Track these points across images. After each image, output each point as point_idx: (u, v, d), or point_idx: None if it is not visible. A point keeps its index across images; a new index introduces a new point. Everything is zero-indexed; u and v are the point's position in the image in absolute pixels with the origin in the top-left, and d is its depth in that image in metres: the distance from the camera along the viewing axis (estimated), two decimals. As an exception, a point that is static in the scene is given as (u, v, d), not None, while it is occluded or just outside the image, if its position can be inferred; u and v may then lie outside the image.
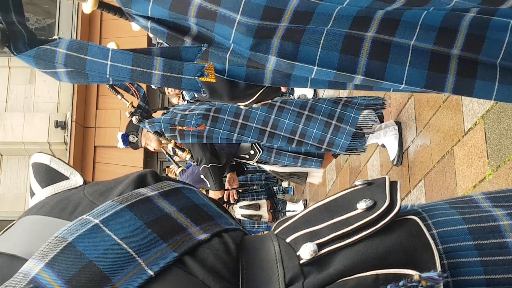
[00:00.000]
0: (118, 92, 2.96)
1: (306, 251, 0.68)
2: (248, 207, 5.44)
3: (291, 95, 6.03)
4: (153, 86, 2.66)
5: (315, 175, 3.60)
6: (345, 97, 3.28)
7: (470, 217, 0.74)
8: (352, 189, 0.79)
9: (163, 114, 3.22)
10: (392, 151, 3.69)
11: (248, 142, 3.28)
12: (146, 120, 3.04)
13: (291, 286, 0.66)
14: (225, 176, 3.66)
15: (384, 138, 3.65)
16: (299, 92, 6.00)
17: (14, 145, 10.00)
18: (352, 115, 3.15)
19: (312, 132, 3.14)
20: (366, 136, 3.30)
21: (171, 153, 3.56)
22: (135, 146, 3.53)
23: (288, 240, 0.72)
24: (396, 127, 3.64)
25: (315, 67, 1.13)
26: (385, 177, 0.79)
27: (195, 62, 1.05)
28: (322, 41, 1.12)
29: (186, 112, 3.10)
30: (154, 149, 3.53)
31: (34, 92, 10.17)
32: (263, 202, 5.61)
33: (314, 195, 6.59)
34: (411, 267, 0.65)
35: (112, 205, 0.70)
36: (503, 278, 0.68)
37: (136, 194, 0.72)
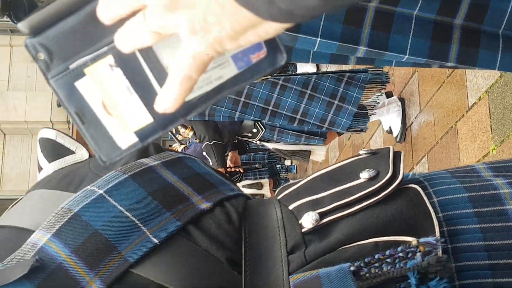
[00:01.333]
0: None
1: (308, 220, 0.69)
2: (250, 186, 5.45)
3: (293, 72, 6.00)
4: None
5: (318, 153, 3.59)
6: (349, 72, 3.25)
7: (470, 186, 0.74)
8: (355, 158, 0.79)
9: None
10: (396, 127, 3.67)
11: (250, 120, 3.27)
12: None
13: (293, 254, 0.67)
14: (227, 155, 3.65)
15: (388, 115, 3.63)
16: (302, 69, 5.97)
17: (17, 124, 10.02)
18: (355, 94, 3.13)
19: (314, 112, 3.13)
20: (369, 115, 3.29)
21: (174, 131, 3.54)
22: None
23: (290, 207, 0.73)
24: (399, 103, 3.62)
25: (318, 39, 1.12)
26: (389, 147, 0.79)
27: None
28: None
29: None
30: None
31: (37, 71, 10.14)
32: (266, 181, 5.62)
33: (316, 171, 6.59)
34: (411, 235, 0.66)
35: (115, 175, 0.71)
36: (502, 244, 0.68)
37: (139, 164, 0.73)
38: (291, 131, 3.38)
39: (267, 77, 2.89)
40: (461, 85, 2.88)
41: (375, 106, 3.25)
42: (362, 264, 0.63)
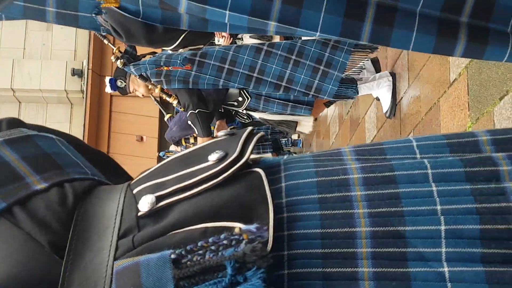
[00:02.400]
0: (104, 37, 2.96)
1: (145, 203, 0.67)
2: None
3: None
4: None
5: (305, 124, 3.57)
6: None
7: (323, 170, 0.72)
8: (213, 140, 0.78)
9: (151, 58, 3.21)
10: (385, 103, 3.64)
11: (235, 88, 3.25)
12: (131, 64, 3.03)
13: (124, 238, 0.65)
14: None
15: (378, 89, 3.59)
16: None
17: (32, 93, 10.14)
18: (341, 59, 3.08)
19: (300, 78, 3.10)
20: (356, 81, 3.24)
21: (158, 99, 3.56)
22: (123, 91, 3.53)
23: (134, 191, 0.71)
24: (390, 78, 3.58)
25: (227, 12, 1.09)
26: (247, 129, 0.77)
27: None
28: None
29: (172, 54, 3.07)
30: (142, 95, 3.53)
31: (52, 39, 10.23)
32: (269, 156, 5.61)
33: (319, 146, 6.58)
34: (244, 221, 0.63)
35: None
36: (338, 232, 0.66)
37: None
38: (277, 100, 3.36)
39: (199, 47, 2.85)
40: (445, 60, 2.84)
41: (361, 71, 3.20)
42: (183, 252, 0.60)
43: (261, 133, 0.78)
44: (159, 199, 0.67)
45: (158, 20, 1.17)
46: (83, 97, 10.06)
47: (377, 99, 3.79)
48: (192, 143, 4.31)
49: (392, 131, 3.67)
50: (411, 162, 0.72)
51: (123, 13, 1.15)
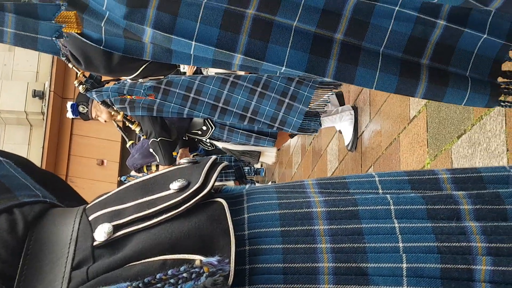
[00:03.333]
0: (69, 61, 2.92)
1: (101, 233, 0.64)
2: (214, 187, 5.42)
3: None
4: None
5: (268, 155, 3.58)
6: (300, 75, 3.25)
7: (286, 202, 0.72)
8: (176, 167, 0.76)
9: (115, 84, 3.18)
10: (347, 136, 3.69)
11: (200, 117, 3.25)
12: (93, 90, 3.00)
13: (77, 270, 0.62)
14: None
15: (340, 122, 3.64)
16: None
17: (-9, 112, 9.91)
18: (306, 93, 3.13)
19: (265, 110, 3.13)
20: (320, 115, 3.29)
21: (121, 125, 3.53)
22: (85, 117, 3.48)
23: (91, 218, 0.68)
24: (352, 112, 3.64)
25: (193, 42, 1.09)
26: (211, 157, 0.76)
27: (53, 21, 1.00)
28: (200, 15, 1.08)
29: (136, 83, 3.06)
30: (105, 121, 3.49)
31: (14, 60, 10.07)
32: (231, 183, 5.59)
33: (281, 176, 6.60)
34: (205, 253, 0.62)
35: None
36: (301, 267, 0.65)
37: None
38: (241, 131, 3.37)
39: (158, 77, 2.85)
40: (405, 98, 2.91)
41: (326, 105, 3.24)
42: (141, 285, 0.58)
43: (225, 162, 0.77)
44: (116, 228, 0.65)
45: (120, 49, 1.15)
46: (43, 119, 9.88)
47: (340, 132, 3.84)
48: (154, 171, 4.28)
49: (353, 164, 3.72)
50: (374, 197, 0.72)
51: (84, 40, 1.14)
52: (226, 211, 0.67)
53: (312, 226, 0.68)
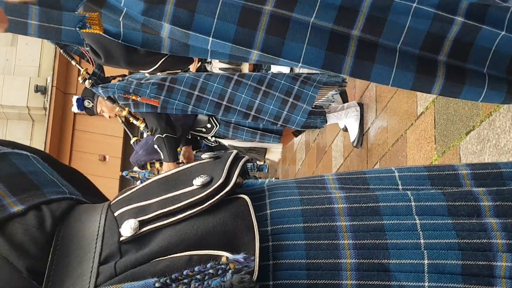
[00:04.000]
0: (73, 58, 2.91)
1: (127, 228, 0.66)
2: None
3: (268, 72, 5.97)
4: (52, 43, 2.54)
5: (274, 151, 3.58)
6: (305, 73, 3.24)
7: (307, 198, 0.72)
8: (197, 162, 0.77)
9: (119, 81, 3.17)
10: (353, 132, 3.67)
11: (204, 114, 3.25)
12: (100, 85, 2.99)
13: (104, 264, 0.63)
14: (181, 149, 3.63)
15: (346, 119, 3.63)
16: (276, 69, 5.95)
17: (-7, 108, 9.91)
18: (310, 93, 3.12)
19: (269, 108, 3.12)
20: (325, 113, 3.28)
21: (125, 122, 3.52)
22: (90, 111, 3.48)
23: (116, 213, 0.69)
24: (358, 108, 3.62)
25: (211, 38, 1.09)
26: (232, 152, 0.77)
27: (77, 12, 1.00)
28: (218, 12, 1.08)
29: (142, 81, 3.05)
30: (109, 116, 3.48)
31: (16, 55, 10.05)
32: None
33: (285, 172, 6.59)
34: (230, 249, 0.63)
35: None
36: (323, 263, 0.66)
37: None
38: (246, 128, 3.37)
39: (176, 71, 2.85)
40: (412, 94, 2.89)
41: (330, 104, 3.24)
42: (168, 280, 0.59)
43: (246, 157, 0.77)
44: (142, 224, 0.66)
45: (138, 43, 1.16)
46: (46, 114, 9.87)
47: (345, 129, 3.82)
48: (158, 168, 4.27)
49: (359, 161, 3.70)
50: (395, 193, 0.73)
51: (103, 34, 1.14)
52: (250, 207, 0.68)
53: (334, 222, 0.69)
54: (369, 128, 3.58)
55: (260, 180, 0.82)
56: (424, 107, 2.73)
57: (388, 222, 0.69)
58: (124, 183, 9.74)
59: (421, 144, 2.75)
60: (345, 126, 3.74)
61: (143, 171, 4.89)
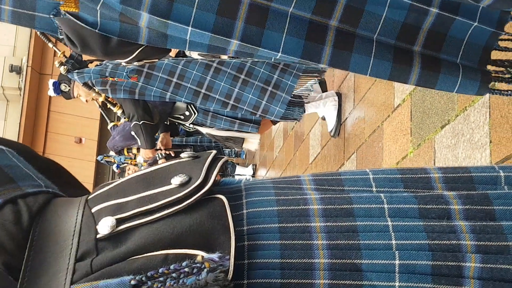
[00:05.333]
0: (50, 40, 2.86)
1: (105, 226, 0.66)
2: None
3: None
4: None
5: (252, 141, 3.58)
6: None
7: (283, 199, 0.73)
8: (176, 161, 0.77)
9: (97, 65, 3.13)
10: (331, 122, 3.69)
11: (182, 102, 3.23)
12: (75, 71, 2.95)
13: (81, 262, 0.63)
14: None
15: (324, 108, 3.64)
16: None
17: (-34, 87, 9.72)
18: (289, 82, 3.12)
19: (248, 97, 3.12)
20: (303, 104, 3.29)
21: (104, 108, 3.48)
22: (67, 95, 3.43)
23: (93, 210, 0.70)
24: (336, 98, 3.64)
25: (190, 28, 1.09)
26: (211, 152, 0.77)
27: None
28: (197, 1, 1.08)
29: (119, 66, 3.02)
30: (86, 100, 3.44)
31: (-10, 34, 9.85)
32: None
33: (263, 159, 6.61)
34: (206, 249, 0.64)
35: None
36: (297, 263, 0.67)
37: None
38: (224, 117, 3.36)
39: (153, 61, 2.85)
40: (390, 85, 2.91)
41: (309, 94, 3.25)
42: (144, 278, 0.60)
43: (225, 157, 0.79)
44: (119, 222, 0.67)
45: (116, 33, 1.15)
46: (21, 95, 9.72)
47: (323, 118, 3.84)
48: (135, 154, 4.24)
49: (336, 150, 3.73)
50: (369, 196, 0.75)
51: (79, 22, 1.12)
52: (227, 208, 0.69)
53: (309, 223, 0.70)
54: (346, 118, 3.60)
55: (237, 178, 0.83)
56: (401, 99, 2.75)
57: (361, 223, 0.70)
58: (100, 166, 9.67)
59: (397, 136, 2.78)
60: (323, 116, 3.76)
61: (119, 156, 4.86)
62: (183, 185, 0.69)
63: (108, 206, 0.69)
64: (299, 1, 1.09)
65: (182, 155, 0.78)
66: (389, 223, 0.71)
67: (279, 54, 1.11)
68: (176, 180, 0.70)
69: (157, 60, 1.42)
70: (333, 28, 1.11)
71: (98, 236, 0.66)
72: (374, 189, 0.78)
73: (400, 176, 0.79)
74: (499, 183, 0.79)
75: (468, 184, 0.79)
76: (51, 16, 0.99)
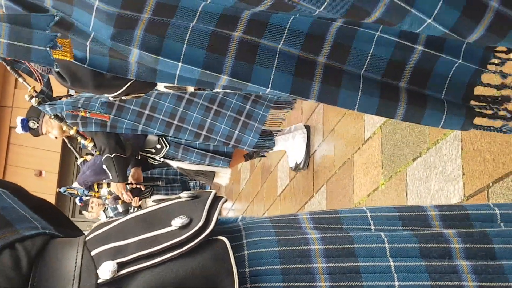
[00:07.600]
0: (20, 75, 2.83)
1: (106, 271, 0.65)
2: (160, 201, 5.36)
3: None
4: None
5: (222, 176, 3.58)
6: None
7: (284, 239, 0.73)
8: (175, 201, 0.77)
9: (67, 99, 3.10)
10: (300, 154, 3.73)
11: (154, 134, 3.22)
12: (47, 103, 2.92)
13: None
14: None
15: (293, 140, 3.69)
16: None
17: None
18: (261, 112, 3.17)
19: (220, 128, 3.14)
20: (274, 134, 3.33)
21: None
22: (35, 132, 3.37)
23: (93, 253, 0.69)
24: (305, 130, 3.69)
25: (180, 64, 1.10)
26: (211, 192, 0.77)
27: (47, 31, 0.98)
28: (187, 37, 1.09)
29: (91, 98, 3.00)
30: (56, 137, 3.39)
31: None
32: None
33: (228, 192, 6.59)
34: None
35: None
36: None
37: None
38: (196, 149, 3.36)
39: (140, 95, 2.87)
40: (359, 119, 2.98)
41: (281, 123, 3.30)
42: None
43: (225, 197, 0.78)
44: (120, 266, 0.66)
45: (105, 68, 1.15)
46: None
47: (288, 158, 3.89)
48: (105, 189, 4.18)
49: (305, 182, 3.76)
50: (369, 234, 0.75)
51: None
52: (229, 250, 0.68)
53: (311, 264, 0.70)
54: (315, 150, 3.65)
55: (232, 217, 0.82)
56: (372, 132, 2.82)
57: (363, 264, 0.71)
58: (61, 199, 9.45)
59: (368, 168, 2.83)
60: (295, 163, 3.81)
61: (82, 188, 4.78)
62: (184, 227, 0.69)
63: (108, 249, 0.68)
64: (288, 38, 1.11)
65: (181, 194, 0.77)
66: (391, 263, 0.71)
67: (268, 89, 1.13)
68: (176, 222, 0.69)
69: (143, 94, 1.42)
70: (321, 64, 1.14)
71: (99, 281, 0.65)
72: (372, 227, 0.78)
73: (397, 214, 0.80)
74: (495, 220, 0.81)
75: (465, 221, 0.80)
76: (48, 48, 0.99)
